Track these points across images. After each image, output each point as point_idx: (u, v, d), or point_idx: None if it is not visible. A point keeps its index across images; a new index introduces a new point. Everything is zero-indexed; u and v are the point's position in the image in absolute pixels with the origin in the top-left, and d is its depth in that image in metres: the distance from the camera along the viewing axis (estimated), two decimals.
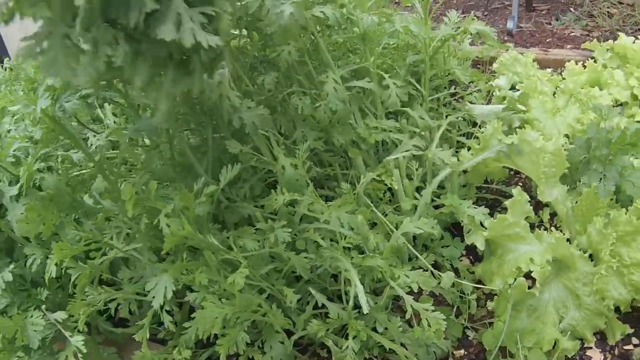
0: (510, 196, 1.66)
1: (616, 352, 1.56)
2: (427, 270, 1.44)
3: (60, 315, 1.52)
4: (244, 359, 1.54)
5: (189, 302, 1.56)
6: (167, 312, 1.51)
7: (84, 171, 1.73)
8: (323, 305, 1.48)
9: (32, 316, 1.51)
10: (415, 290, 1.37)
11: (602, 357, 1.56)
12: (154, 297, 1.30)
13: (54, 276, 1.46)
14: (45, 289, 1.60)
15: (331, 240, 1.45)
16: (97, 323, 1.69)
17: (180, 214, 1.31)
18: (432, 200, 1.70)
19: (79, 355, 1.49)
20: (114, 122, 1.94)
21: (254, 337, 1.52)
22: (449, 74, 2.05)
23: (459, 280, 1.56)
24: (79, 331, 1.49)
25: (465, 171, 1.84)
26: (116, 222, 1.53)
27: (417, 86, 1.88)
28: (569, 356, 1.54)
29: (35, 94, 1.42)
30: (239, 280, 1.25)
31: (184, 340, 1.48)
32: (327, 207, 1.37)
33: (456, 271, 1.72)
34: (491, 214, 1.66)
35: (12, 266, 1.55)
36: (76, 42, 0.94)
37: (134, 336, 1.47)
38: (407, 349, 1.46)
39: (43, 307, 1.55)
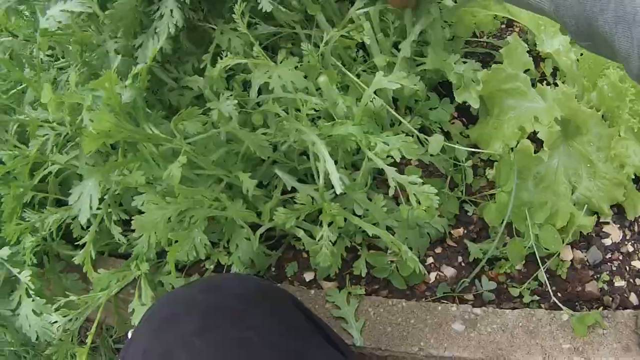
0: None
1: (636, 228, 1.35)
2: (412, 136, 1.20)
3: (4, 252, 1.32)
4: (210, 263, 1.34)
5: None
6: (116, 222, 1.32)
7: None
8: (295, 190, 1.25)
9: None
10: (399, 160, 1.13)
11: (622, 235, 1.35)
12: (79, 210, 1.09)
13: None
14: None
15: (297, 111, 1.21)
16: (56, 250, 1.48)
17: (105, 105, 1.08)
18: (414, 60, 1.44)
19: (31, 291, 1.31)
20: None
21: (219, 236, 1.30)
22: None
23: (451, 145, 1.31)
24: (28, 265, 1.31)
25: (450, 25, 1.58)
26: (43, 130, 1.31)
27: None
28: (585, 233, 1.33)
29: None
30: (175, 171, 1.02)
31: (139, 252, 1.29)
32: (271, 68, 1.12)
33: (447, 136, 1.47)
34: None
35: None
36: None
37: (74, 259, 1.29)
38: (395, 233, 1.25)
39: None
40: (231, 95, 1.15)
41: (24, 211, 1.31)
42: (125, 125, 1.06)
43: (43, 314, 1.31)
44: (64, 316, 1.29)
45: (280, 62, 1.11)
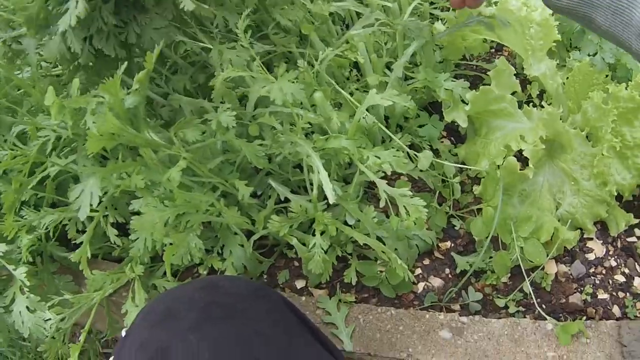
0: None
1: (619, 244, 1.40)
2: (402, 152, 1.24)
3: (1, 248, 1.32)
4: (203, 269, 1.37)
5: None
6: (113, 224, 1.34)
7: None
8: (287, 200, 1.30)
9: None
10: (389, 174, 1.18)
11: (605, 250, 1.39)
12: (79, 207, 1.10)
13: None
14: None
15: (291, 125, 1.25)
16: (50, 251, 1.51)
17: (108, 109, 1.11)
18: (406, 79, 1.49)
19: (25, 288, 1.32)
20: None
21: (214, 242, 1.33)
22: None
23: (440, 161, 1.36)
24: (24, 263, 1.32)
25: (441, 48, 1.64)
26: (45, 131, 1.33)
27: None
28: (569, 248, 1.38)
29: None
30: (174, 175, 1.06)
31: (135, 254, 1.30)
32: (269, 81, 1.16)
33: (436, 153, 1.52)
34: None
35: None
36: None
37: (70, 256, 1.29)
38: (384, 244, 1.29)
39: None
40: (229, 107, 1.19)
41: (22, 209, 1.34)
42: (128, 129, 1.09)
43: (37, 311, 1.32)
44: (58, 314, 1.31)
45: (281, 76, 1.15)
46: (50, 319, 1.31)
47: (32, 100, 1.44)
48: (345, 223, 1.28)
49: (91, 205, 1.09)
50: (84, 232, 1.38)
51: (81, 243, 1.37)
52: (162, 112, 1.37)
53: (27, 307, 1.32)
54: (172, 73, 1.45)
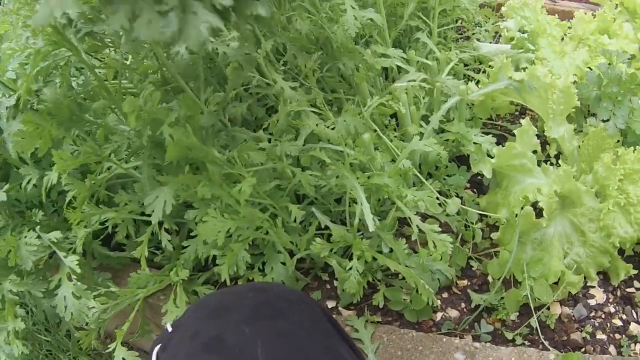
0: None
1: (619, 293, 1.55)
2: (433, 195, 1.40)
3: (55, 235, 1.44)
4: (243, 281, 1.51)
5: (187, 225, 1.52)
6: (166, 230, 1.47)
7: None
8: (326, 228, 1.45)
9: (26, 237, 1.43)
10: (422, 211, 1.34)
11: (605, 297, 1.54)
12: (152, 211, 1.23)
13: (50, 187, 1.38)
14: (40, 210, 1.52)
15: (337, 160, 1.40)
16: (92, 248, 1.63)
17: (184, 124, 1.25)
18: (439, 132, 1.66)
19: (73, 277, 1.43)
20: None
21: (254, 259, 1.47)
22: (456, 9, 1.99)
23: (465, 207, 1.52)
24: (74, 252, 1.43)
25: (471, 107, 1.81)
26: (117, 136, 1.46)
27: (425, 19, 1.84)
28: (573, 293, 1.52)
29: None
30: (245, 188, 1.20)
31: (182, 260, 1.44)
32: (332, 114, 1.31)
33: (461, 201, 1.67)
34: None
35: (6, 186, 1.48)
36: None
37: (132, 253, 1.43)
38: None
39: (37, 228, 1.48)
40: (291, 138, 1.34)
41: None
42: (202, 145, 1.24)
43: (82, 298, 1.41)
44: (102, 304, 1.43)
45: (345, 111, 1.31)
46: (94, 307, 1.43)
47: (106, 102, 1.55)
48: (379, 252, 1.42)
49: (164, 210, 1.23)
50: (127, 236, 1.54)
51: (124, 245, 1.54)
52: (223, 138, 1.51)
53: (73, 294, 1.41)
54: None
